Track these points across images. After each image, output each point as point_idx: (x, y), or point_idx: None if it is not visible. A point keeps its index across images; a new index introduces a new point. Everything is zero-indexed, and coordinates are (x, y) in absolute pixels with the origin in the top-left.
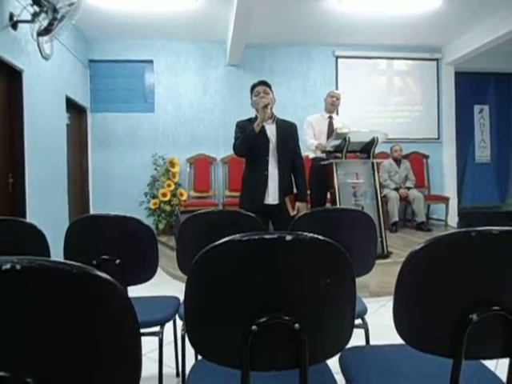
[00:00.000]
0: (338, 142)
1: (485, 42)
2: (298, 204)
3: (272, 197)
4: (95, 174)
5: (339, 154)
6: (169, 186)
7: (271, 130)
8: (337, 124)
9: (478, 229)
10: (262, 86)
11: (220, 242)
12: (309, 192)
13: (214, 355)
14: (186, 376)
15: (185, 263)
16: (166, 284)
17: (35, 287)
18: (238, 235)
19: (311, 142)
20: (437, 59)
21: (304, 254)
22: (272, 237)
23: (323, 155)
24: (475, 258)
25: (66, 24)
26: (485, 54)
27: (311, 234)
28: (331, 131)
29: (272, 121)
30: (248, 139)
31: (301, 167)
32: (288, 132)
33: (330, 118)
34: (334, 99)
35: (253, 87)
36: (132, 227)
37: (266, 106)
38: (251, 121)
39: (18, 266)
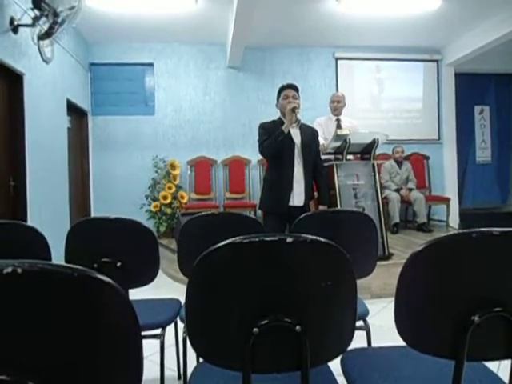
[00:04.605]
0: (338, 144)
1: (485, 42)
2: (320, 207)
3: (297, 199)
4: (96, 177)
5: (340, 156)
6: (170, 188)
7: (295, 134)
8: (345, 126)
9: (479, 230)
10: (291, 90)
11: (221, 244)
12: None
13: (215, 358)
14: (188, 379)
15: (186, 266)
16: (167, 286)
17: (36, 291)
18: (238, 237)
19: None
20: (437, 60)
21: (305, 256)
22: (273, 239)
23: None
24: (476, 259)
25: (67, 28)
26: (485, 54)
27: (312, 236)
28: None
29: (296, 125)
30: (277, 142)
31: (323, 170)
32: (311, 136)
33: (338, 120)
34: (335, 104)
35: (281, 89)
36: (133, 230)
37: (293, 110)
38: (275, 123)
39: (19, 270)
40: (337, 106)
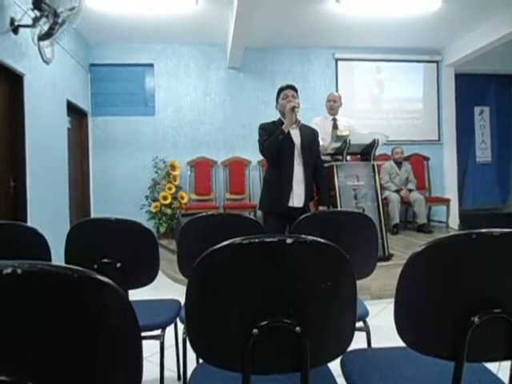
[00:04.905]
0: (338, 145)
1: (485, 43)
2: (320, 208)
3: (297, 200)
4: (96, 178)
5: (340, 157)
6: (170, 189)
7: (295, 135)
8: (341, 125)
9: (479, 231)
10: (290, 90)
11: (221, 245)
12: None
13: (215, 359)
14: (188, 380)
15: (186, 266)
16: (166, 287)
17: (36, 291)
18: (238, 238)
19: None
20: (437, 61)
21: (305, 256)
22: (273, 240)
23: (326, 157)
24: (476, 260)
25: (67, 28)
26: (485, 55)
27: (312, 237)
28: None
29: (296, 125)
30: (277, 142)
31: (323, 171)
32: (311, 136)
33: (334, 120)
34: (332, 103)
35: (280, 90)
36: (133, 230)
37: (293, 109)
38: (275, 123)
39: (19, 271)
40: (333, 105)
